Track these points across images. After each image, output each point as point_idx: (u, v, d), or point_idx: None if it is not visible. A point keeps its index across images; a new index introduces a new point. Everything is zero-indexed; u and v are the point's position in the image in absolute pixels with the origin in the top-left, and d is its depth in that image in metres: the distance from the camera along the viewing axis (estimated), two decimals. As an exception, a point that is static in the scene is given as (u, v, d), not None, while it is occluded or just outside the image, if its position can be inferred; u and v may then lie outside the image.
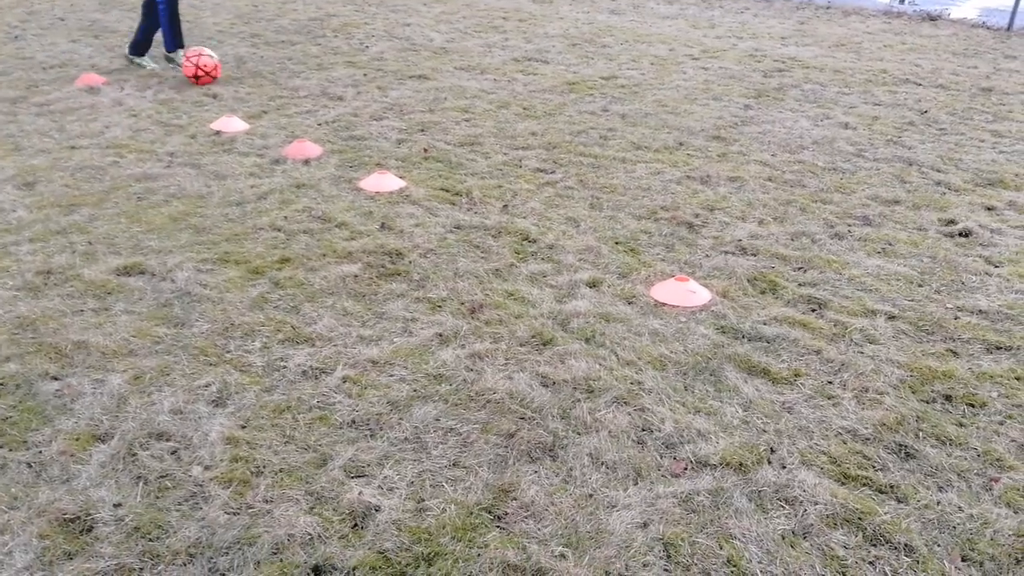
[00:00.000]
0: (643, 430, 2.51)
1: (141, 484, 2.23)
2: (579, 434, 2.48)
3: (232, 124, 5.24)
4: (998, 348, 3.01)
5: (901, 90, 6.68)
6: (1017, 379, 2.82)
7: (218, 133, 5.12)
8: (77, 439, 2.39)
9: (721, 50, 8.06)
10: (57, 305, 3.10)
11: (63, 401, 2.56)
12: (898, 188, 4.55)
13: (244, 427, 2.47)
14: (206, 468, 2.30)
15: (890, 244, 3.85)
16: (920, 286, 3.46)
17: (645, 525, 2.15)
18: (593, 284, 3.40)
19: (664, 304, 3.25)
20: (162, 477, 2.26)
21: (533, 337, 2.99)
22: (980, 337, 3.07)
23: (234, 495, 2.20)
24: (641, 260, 3.62)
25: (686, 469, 2.35)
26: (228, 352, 2.85)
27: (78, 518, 2.11)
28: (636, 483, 2.29)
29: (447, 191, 4.34)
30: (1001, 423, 2.60)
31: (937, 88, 6.78)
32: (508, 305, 3.20)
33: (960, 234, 3.97)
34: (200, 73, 5.92)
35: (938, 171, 4.82)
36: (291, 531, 2.08)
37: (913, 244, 3.86)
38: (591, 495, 2.25)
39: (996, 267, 3.64)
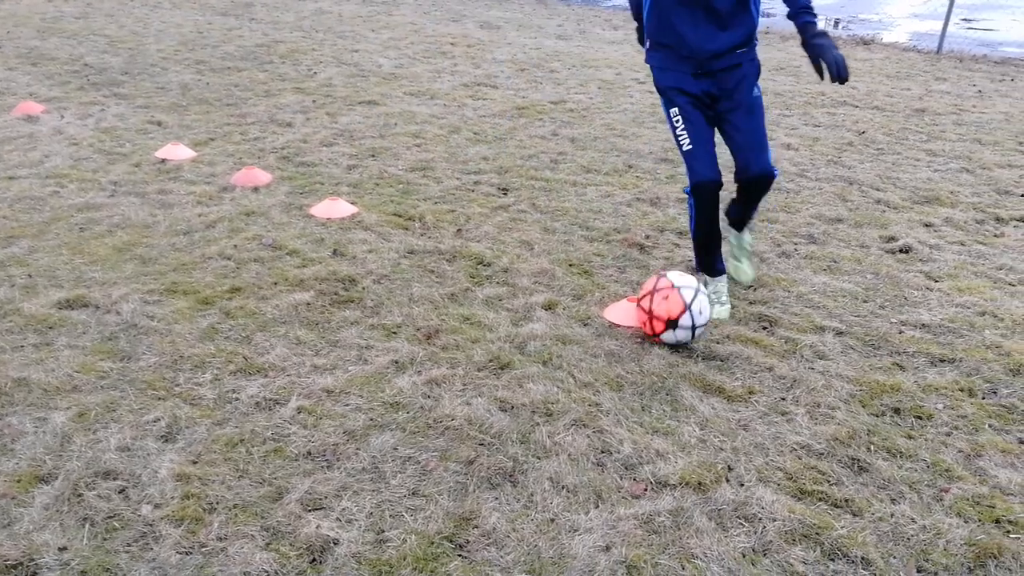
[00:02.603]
0: (602, 452, 2.51)
1: (87, 526, 2.15)
2: (539, 458, 2.47)
3: (178, 152, 5.14)
4: (941, 361, 3.10)
5: (839, 112, 6.90)
6: (961, 391, 2.91)
7: (163, 161, 5.03)
8: (18, 481, 2.29)
9: (666, 74, 8.21)
10: (-5, 341, 2.98)
11: (3, 441, 2.45)
12: (840, 207, 4.68)
13: (195, 462, 2.40)
14: (156, 506, 2.22)
15: (835, 261, 3.95)
16: (865, 302, 3.55)
17: (607, 548, 2.14)
18: (548, 307, 3.41)
19: (618, 325, 3.27)
20: (110, 517, 2.18)
21: (491, 361, 2.98)
22: (924, 351, 3.16)
23: (186, 534, 2.13)
24: (595, 282, 3.65)
25: (646, 490, 2.36)
26: (177, 385, 2.77)
27: (20, 564, 2.02)
28: (597, 506, 2.29)
29: (400, 216, 4.32)
30: (948, 434, 2.67)
31: (873, 110, 7.02)
32: (464, 330, 3.19)
33: (901, 250, 4.09)
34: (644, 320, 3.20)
35: (877, 189, 4.97)
36: (247, 569, 2.02)
37: (857, 261, 3.97)
38: (553, 520, 2.24)
39: (936, 282, 3.77)
